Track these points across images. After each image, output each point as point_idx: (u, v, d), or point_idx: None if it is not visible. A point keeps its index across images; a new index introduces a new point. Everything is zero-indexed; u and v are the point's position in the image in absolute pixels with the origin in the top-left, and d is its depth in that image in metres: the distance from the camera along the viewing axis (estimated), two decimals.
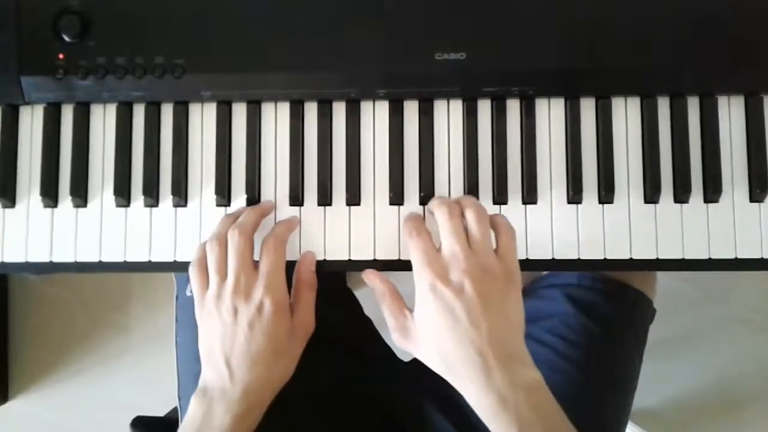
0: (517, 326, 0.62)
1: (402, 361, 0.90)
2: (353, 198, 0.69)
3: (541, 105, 0.69)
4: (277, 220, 0.69)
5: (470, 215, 0.62)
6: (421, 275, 0.61)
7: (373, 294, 0.67)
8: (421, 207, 0.69)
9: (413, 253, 0.62)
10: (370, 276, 0.67)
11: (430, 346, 0.61)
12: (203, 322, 0.65)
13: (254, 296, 0.63)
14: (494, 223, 0.64)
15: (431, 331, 0.61)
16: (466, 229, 0.62)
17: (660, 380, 1.41)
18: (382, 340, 0.92)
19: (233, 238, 0.64)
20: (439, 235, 0.62)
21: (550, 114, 0.69)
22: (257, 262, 0.65)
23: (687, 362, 1.43)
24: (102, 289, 1.53)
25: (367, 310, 0.92)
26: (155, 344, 1.50)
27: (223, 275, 0.64)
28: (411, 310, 0.63)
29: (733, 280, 1.43)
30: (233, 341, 0.63)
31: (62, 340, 1.52)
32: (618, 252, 0.68)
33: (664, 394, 1.42)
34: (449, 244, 0.61)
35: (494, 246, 0.63)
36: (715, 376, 1.43)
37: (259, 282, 0.63)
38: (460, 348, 0.59)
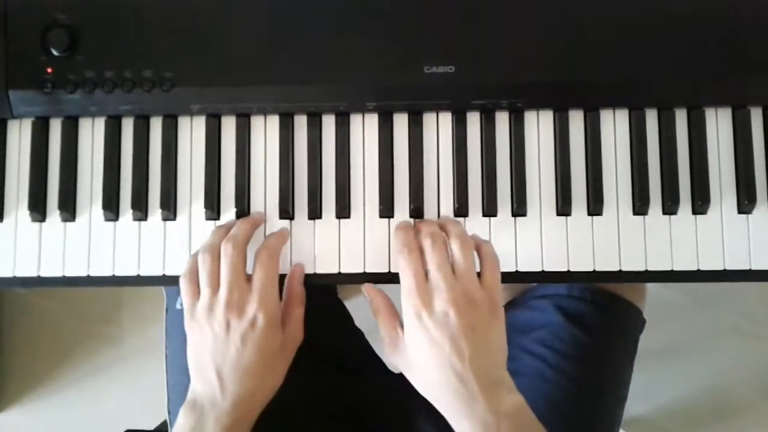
0: (499, 354, 0.63)
1: (392, 372, 0.89)
2: (343, 211, 0.69)
3: (530, 117, 0.70)
4: (267, 233, 0.69)
5: (455, 246, 0.63)
6: (408, 302, 0.61)
7: (370, 306, 0.67)
8: (411, 220, 0.69)
9: (403, 274, 0.62)
10: (367, 290, 0.68)
11: (415, 370, 0.63)
12: (193, 333, 0.65)
13: (248, 311, 0.63)
14: (480, 252, 0.65)
15: (416, 357, 0.62)
16: (451, 257, 0.63)
17: (651, 389, 1.41)
18: (373, 352, 0.91)
19: (226, 251, 0.64)
20: None
21: (539, 126, 0.70)
22: (249, 275, 0.65)
23: (677, 370, 1.44)
24: (92, 301, 1.52)
25: (358, 322, 0.92)
26: (146, 356, 1.49)
27: (215, 288, 0.64)
28: (403, 327, 0.63)
29: (723, 288, 1.43)
30: (225, 354, 0.63)
31: (52, 351, 1.51)
32: (607, 264, 0.68)
33: (655, 403, 1.43)
34: (434, 274, 0.61)
35: (478, 269, 0.64)
36: (705, 384, 1.44)
37: (252, 296, 0.63)
38: (442, 376, 0.60)
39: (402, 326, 0.63)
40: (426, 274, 0.62)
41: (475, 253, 0.64)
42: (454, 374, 0.59)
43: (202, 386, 0.64)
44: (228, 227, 0.67)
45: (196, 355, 0.65)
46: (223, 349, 0.63)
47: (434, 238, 0.63)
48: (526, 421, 0.61)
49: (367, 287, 0.68)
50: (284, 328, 0.66)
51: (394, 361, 0.65)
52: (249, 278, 0.64)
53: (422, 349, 0.61)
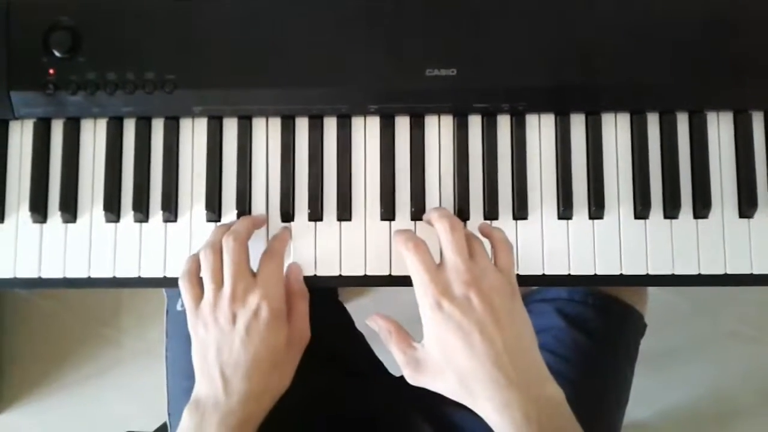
0: (530, 338, 0.60)
1: (394, 376, 0.89)
2: (344, 213, 0.69)
3: (532, 120, 0.70)
4: (268, 235, 0.69)
5: (468, 231, 0.62)
6: (424, 294, 0.59)
7: (380, 335, 0.65)
8: (412, 222, 0.69)
9: (413, 268, 0.61)
10: (374, 319, 0.66)
11: (445, 369, 0.59)
12: (197, 332, 0.64)
13: (251, 301, 0.62)
14: (492, 239, 0.64)
15: (443, 352, 0.59)
16: None
17: (651, 393, 1.41)
18: (374, 354, 0.91)
19: (228, 245, 0.63)
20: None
21: (541, 130, 0.70)
22: (253, 272, 0.64)
23: (678, 375, 1.44)
24: (93, 303, 1.52)
25: (359, 324, 0.92)
26: (146, 358, 1.49)
27: (219, 283, 0.63)
28: (418, 342, 0.62)
29: (723, 292, 1.43)
30: (229, 349, 0.62)
31: (53, 353, 1.51)
32: (608, 267, 0.68)
33: (656, 407, 1.42)
34: (451, 256, 0.59)
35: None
36: (706, 389, 1.43)
37: (256, 288, 0.63)
38: (476, 365, 0.57)
39: (415, 341, 0.62)
40: (437, 263, 0.60)
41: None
42: (490, 361, 0.56)
43: (206, 386, 0.63)
44: (229, 225, 0.67)
45: (200, 355, 0.64)
46: (227, 343, 0.62)
47: (452, 221, 0.61)
48: (565, 413, 0.59)
49: (373, 318, 0.66)
50: (290, 324, 0.65)
51: (418, 380, 0.62)
52: (253, 274, 0.64)
53: (449, 341, 0.58)
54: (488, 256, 0.62)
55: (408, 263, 0.61)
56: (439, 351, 0.59)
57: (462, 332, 0.57)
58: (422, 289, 0.59)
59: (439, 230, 0.62)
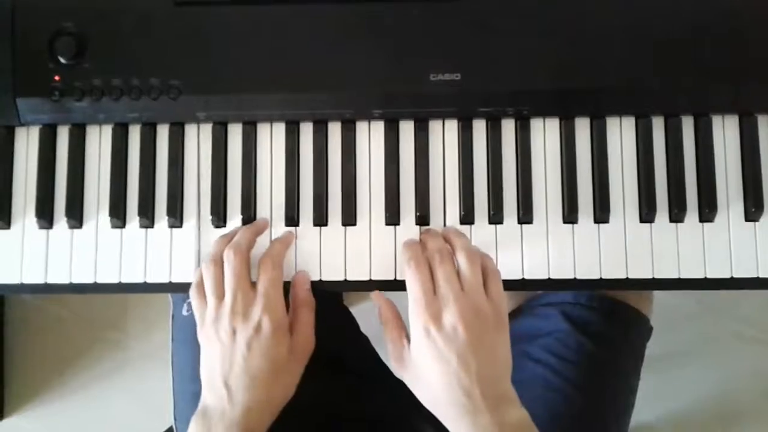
0: (505, 367, 0.63)
1: (398, 379, 0.89)
2: (349, 218, 0.69)
3: (536, 125, 0.70)
4: (272, 239, 0.69)
5: (461, 258, 0.63)
6: (417, 315, 0.61)
7: (378, 313, 0.67)
8: (417, 227, 0.69)
9: (411, 287, 0.62)
10: (376, 297, 0.68)
11: (420, 384, 0.63)
12: (203, 344, 0.65)
13: (252, 316, 0.63)
14: (483, 267, 0.64)
15: (422, 370, 0.62)
16: (458, 270, 0.63)
17: (657, 396, 1.41)
18: (379, 358, 0.91)
19: (229, 258, 0.64)
20: None
21: (545, 134, 0.69)
22: (254, 282, 0.65)
23: (684, 378, 1.43)
24: (99, 307, 1.52)
25: (364, 328, 0.92)
26: (152, 362, 1.49)
27: (220, 297, 0.64)
28: (409, 339, 0.63)
29: (729, 295, 1.42)
30: (231, 362, 0.63)
31: (58, 357, 1.51)
32: (614, 271, 0.68)
33: (662, 410, 1.42)
34: (443, 286, 0.61)
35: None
36: (712, 391, 1.43)
37: (257, 301, 0.63)
38: (448, 390, 0.60)
39: (408, 338, 0.63)
40: (434, 287, 0.62)
41: None
42: (460, 389, 0.59)
43: (212, 397, 0.64)
44: (230, 237, 0.67)
45: (206, 366, 0.65)
46: (230, 356, 0.63)
47: (441, 253, 0.63)
48: None
49: (376, 294, 0.68)
50: (293, 334, 0.66)
51: (400, 374, 0.65)
52: (254, 285, 0.65)
53: (429, 363, 0.60)
54: (481, 284, 0.63)
55: (407, 280, 0.63)
56: (420, 368, 0.62)
57: (441, 359, 0.60)
58: (416, 310, 0.62)
59: (431, 258, 0.64)
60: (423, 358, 0.61)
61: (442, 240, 0.66)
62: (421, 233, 0.68)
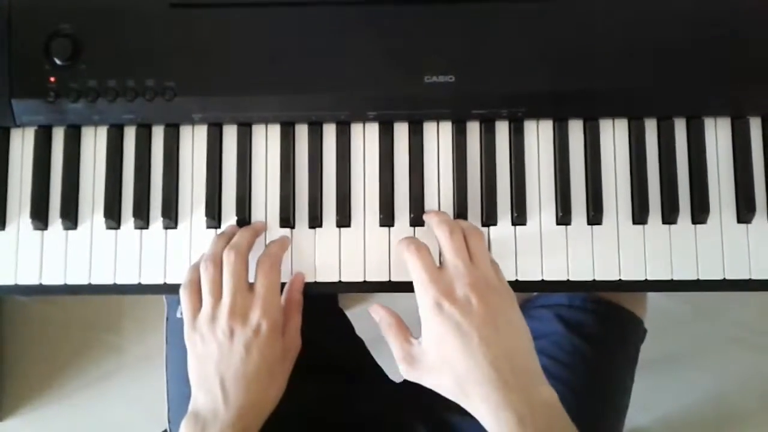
0: (527, 340, 0.61)
1: (394, 382, 0.89)
2: (343, 219, 0.69)
3: (530, 127, 0.70)
4: (267, 242, 0.69)
5: (469, 234, 0.63)
6: (425, 293, 0.60)
7: (380, 326, 0.66)
8: (411, 229, 0.69)
9: (414, 270, 0.61)
10: (376, 309, 0.66)
11: (441, 369, 0.59)
12: (194, 344, 0.65)
13: (251, 318, 0.63)
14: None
15: (441, 352, 0.59)
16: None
17: (652, 399, 1.41)
18: (374, 361, 0.91)
19: (229, 259, 0.64)
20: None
21: (539, 135, 0.70)
22: (251, 283, 0.65)
23: (678, 381, 1.43)
24: (94, 309, 1.52)
25: (359, 331, 0.92)
26: (147, 364, 1.48)
27: (217, 296, 0.64)
28: (416, 338, 0.62)
29: (723, 298, 1.43)
30: (228, 363, 0.63)
31: (53, 359, 1.51)
32: (607, 273, 0.68)
33: (656, 413, 1.42)
34: (452, 259, 0.60)
35: None
36: (706, 395, 1.43)
37: (255, 303, 0.63)
38: (472, 366, 0.57)
39: (413, 337, 0.63)
40: (438, 266, 0.61)
41: None
42: (486, 362, 0.56)
43: (204, 398, 0.64)
44: (229, 235, 0.67)
45: (198, 367, 0.64)
46: (227, 357, 0.63)
47: (452, 226, 0.63)
48: (559, 415, 0.59)
49: (374, 307, 0.66)
50: (284, 335, 0.66)
51: (411, 375, 0.62)
52: (251, 286, 0.65)
53: (447, 341, 0.58)
54: (489, 260, 0.63)
55: (409, 265, 0.62)
56: (437, 350, 0.59)
57: (461, 333, 0.58)
58: (423, 289, 0.60)
59: (438, 235, 0.63)
60: (439, 338, 0.59)
61: (446, 214, 0.65)
62: (426, 214, 0.68)
